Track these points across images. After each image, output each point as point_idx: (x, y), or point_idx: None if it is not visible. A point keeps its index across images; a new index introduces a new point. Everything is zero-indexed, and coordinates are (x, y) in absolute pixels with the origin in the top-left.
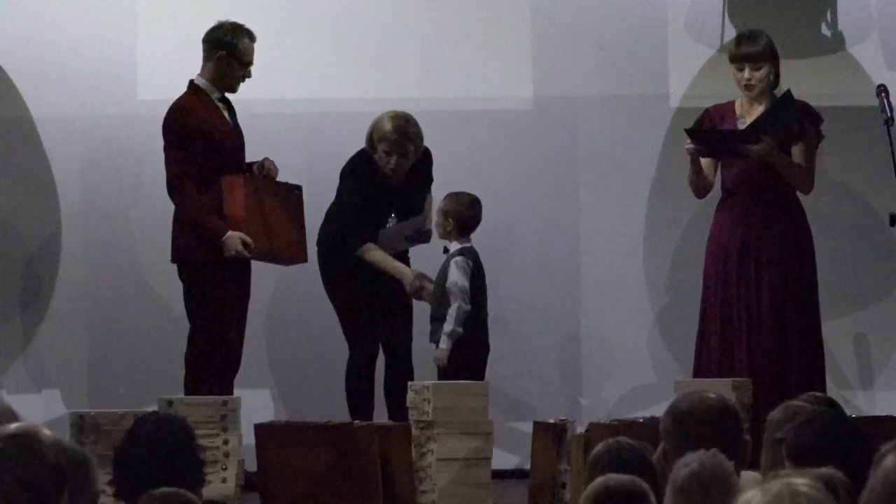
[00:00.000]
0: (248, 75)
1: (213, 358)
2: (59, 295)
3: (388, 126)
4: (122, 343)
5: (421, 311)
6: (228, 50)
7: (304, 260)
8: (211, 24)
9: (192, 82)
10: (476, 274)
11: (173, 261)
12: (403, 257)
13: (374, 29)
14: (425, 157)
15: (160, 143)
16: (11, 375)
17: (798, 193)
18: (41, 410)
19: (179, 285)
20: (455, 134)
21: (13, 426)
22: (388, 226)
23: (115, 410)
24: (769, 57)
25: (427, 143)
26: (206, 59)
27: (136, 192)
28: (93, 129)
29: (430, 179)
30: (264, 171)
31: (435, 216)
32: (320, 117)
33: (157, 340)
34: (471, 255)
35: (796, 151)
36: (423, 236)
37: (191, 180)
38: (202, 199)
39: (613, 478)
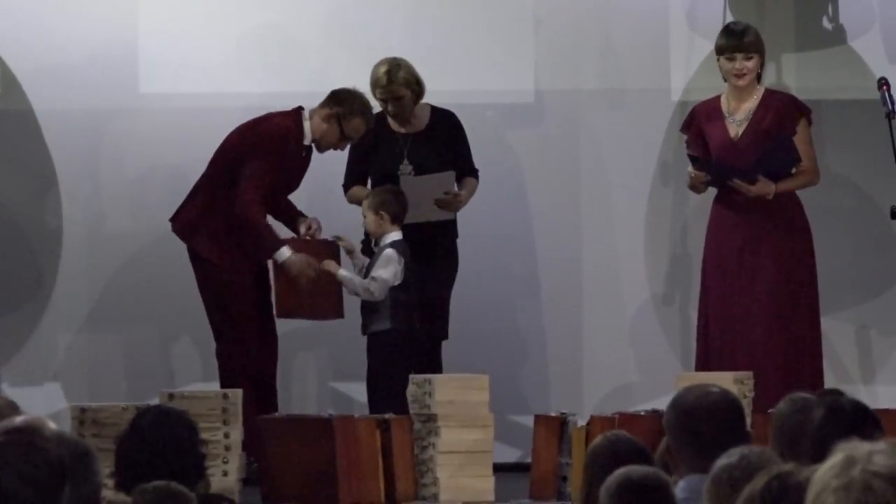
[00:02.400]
0: (342, 149)
1: (243, 350)
2: (61, 287)
3: (378, 73)
4: (124, 336)
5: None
6: (340, 115)
7: (342, 317)
8: (212, 17)
9: (301, 110)
10: (406, 267)
11: (189, 242)
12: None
13: (377, 23)
14: (450, 118)
15: (162, 135)
16: (13, 368)
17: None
18: (42, 403)
19: (182, 279)
20: None
21: (18, 419)
22: (401, 172)
23: (117, 404)
24: (759, 48)
25: None
26: (321, 105)
27: (138, 185)
28: (95, 122)
29: (455, 142)
30: (310, 231)
31: (367, 216)
32: None
33: (159, 334)
34: (402, 247)
35: (798, 150)
36: (447, 201)
37: (264, 198)
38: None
39: (635, 469)
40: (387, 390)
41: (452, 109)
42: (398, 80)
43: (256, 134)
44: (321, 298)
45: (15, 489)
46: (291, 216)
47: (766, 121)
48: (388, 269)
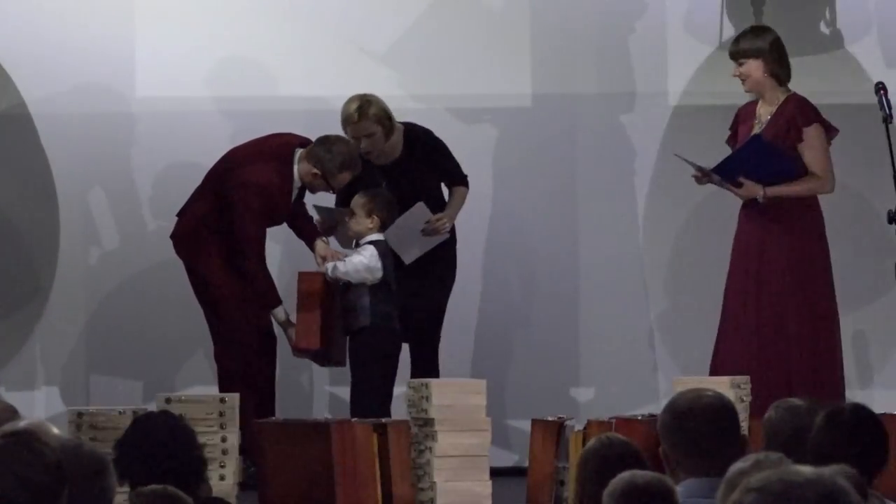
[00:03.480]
0: (335, 192)
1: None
2: (58, 292)
3: (348, 110)
4: (121, 340)
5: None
6: (325, 175)
7: (344, 364)
8: (208, 21)
9: (296, 150)
10: (386, 266)
11: (191, 264)
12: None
13: (374, 26)
14: (423, 139)
15: (158, 139)
16: (10, 372)
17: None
18: (40, 408)
19: (179, 283)
20: (454, 131)
21: (22, 423)
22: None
23: (114, 408)
24: (752, 53)
25: None
26: (307, 157)
27: (135, 189)
28: (91, 126)
29: (433, 160)
30: (324, 265)
31: (356, 215)
32: (320, 115)
33: (156, 338)
34: (383, 247)
35: (805, 157)
36: (433, 227)
37: (262, 239)
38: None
39: (639, 474)
40: (367, 388)
41: (449, 113)
42: (369, 117)
43: (246, 178)
44: (333, 345)
45: (13, 492)
46: (309, 237)
47: (777, 126)
48: (364, 253)
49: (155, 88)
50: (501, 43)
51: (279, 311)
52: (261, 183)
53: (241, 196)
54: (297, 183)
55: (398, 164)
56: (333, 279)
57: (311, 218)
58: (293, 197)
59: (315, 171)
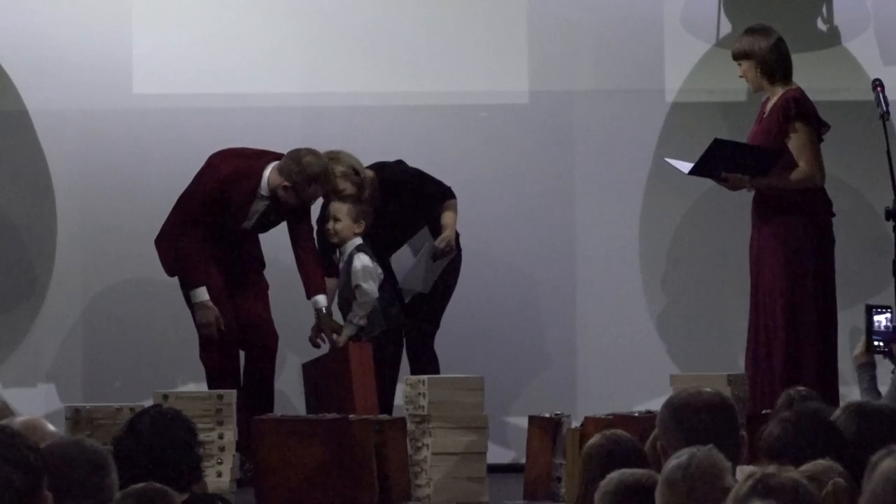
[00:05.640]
0: (307, 208)
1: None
2: (55, 289)
3: (314, 170)
4: (118, 337)
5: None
6: (295, 188)
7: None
8: (205, 18)
9: (272, 160)
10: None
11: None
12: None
13: (370, 23)
14: (394, 180)
15: (155, 136)
16: (7, 369)
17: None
18: (37, 404)
19: (173, 280)
20: (451, 128)
21: (18, 420)
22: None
23: (111, 404)
24: (744, 55)
25: (423, 137)
26: (280, 170)
27: (132, 186)
28: (88, 123)
29: (412, 193)
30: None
31: (342, 221)
32: (315, 111)
33: (153, 334)
34: (367, 247)
35: (792, 152)
36: (442, 252)
37: (196, 227)
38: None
39: (628, 472)
40: (385, 389)
41: (446, 110)
42: (336, 174)
43: (211, 161)
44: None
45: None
46: (308, 288)
47: (770, 121)
48: (360, 267)
49: (152, 85)
50: (499, 40)
51: (200, 293)
52: (220, 168)
53: (202, 174)
54: (263, 190)
55: (382, 211)
56: (364, 315)
57: (317, 266)
58: (259, 206)
59: (286, 183)
